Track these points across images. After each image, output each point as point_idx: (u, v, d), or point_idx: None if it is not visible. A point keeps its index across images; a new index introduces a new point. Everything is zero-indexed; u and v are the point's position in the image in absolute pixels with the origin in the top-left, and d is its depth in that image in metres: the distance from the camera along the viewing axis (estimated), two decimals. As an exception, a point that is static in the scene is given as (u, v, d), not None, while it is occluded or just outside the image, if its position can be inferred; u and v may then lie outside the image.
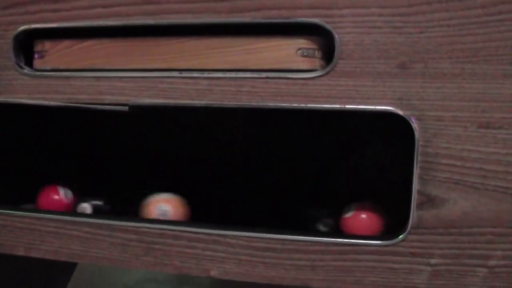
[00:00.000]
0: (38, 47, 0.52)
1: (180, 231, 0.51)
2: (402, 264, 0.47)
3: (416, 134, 0.45)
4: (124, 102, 0.50)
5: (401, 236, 0.47)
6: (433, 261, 0.47)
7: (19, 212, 0.54)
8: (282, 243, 0.49)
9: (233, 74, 0.47)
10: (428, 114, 0.45)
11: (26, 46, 0.53)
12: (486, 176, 0.44)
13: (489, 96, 0.43)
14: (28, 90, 0.52)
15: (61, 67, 0.51)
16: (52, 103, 0.51)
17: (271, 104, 0.47)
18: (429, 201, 0.46)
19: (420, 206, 0.46)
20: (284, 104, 0.47)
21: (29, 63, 0.53)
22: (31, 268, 0.69)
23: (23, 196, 0.61)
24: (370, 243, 0.48)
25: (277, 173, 0.66)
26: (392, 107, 0.45)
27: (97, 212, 0.58)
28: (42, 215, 0.54)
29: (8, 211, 0.54)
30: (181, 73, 0.48)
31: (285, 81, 0.47)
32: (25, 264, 0.61)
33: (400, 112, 0.45)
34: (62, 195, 0.59)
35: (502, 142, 0.44)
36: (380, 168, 0.61)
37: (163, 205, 0.56)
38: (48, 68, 0.51)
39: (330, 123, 0.62)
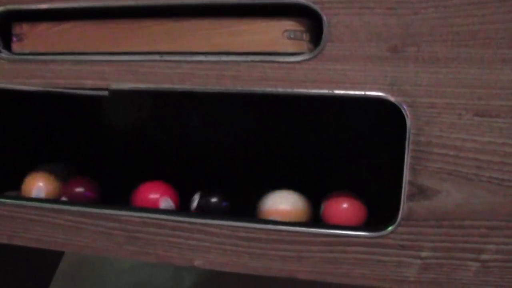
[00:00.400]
0: (16, 30, 0.50)
1: (162, 219, 0.49)
2: (391, 256, 0.45)
3: (408, 121, 0.43)
4: (104, 86, 0.48)
5: (390, 228, 0.45)
6: (423, 254, 0.45)
7: (0, 199, 0.53)
8: (266, 233, 0.47)
9: (216, 58, 0.45)
10: (420, 100, 0.42)
11: (5, 29, 0.51)
12: (480, 166, 0.42)
13: (486, 82, 0.41)
14: (7, 74, 0.50)
15: (40, 50, 0.49)
16: (31, 88, 0.49)
17: (257, 89, 0.45)
18: (420, 192, 0.44)
19: (410, 197, 0.44)
20: (270, 89, 0.44)
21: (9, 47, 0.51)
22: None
23: (8, 182, 0.59)
24: (358, 234, 0.46)
25: (263, 160, 0.64)
26: (383, 93, 0.43)
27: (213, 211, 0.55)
28: (24, 202, 0.52)
29: (-10, 198, 0.53)
30: (162, 57, 0.46)
31: (270, 65, 0.44)
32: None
33: (391, 99, 0.43)
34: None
35: (499, 131, 0.41)
36: (369, 156, 0.59)
37: None
38: (26, 51, 0.49)
39: (318, 109, 0.60)
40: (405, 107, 0.42)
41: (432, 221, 0.44)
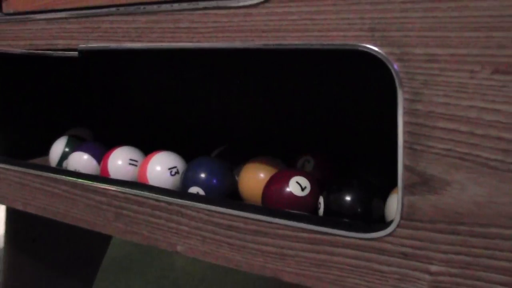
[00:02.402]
0: (2, -13, 0.47)
1: (143, 197, 0.43)
2: (391, 267, 0.33)
3: (398, 82, 0.30)
4: (74, 46, 0.43)
5: (387, 229, 0.33)
6: (433, 268, 0.32)
7: (11, 166, 0.52)
8: (244, 221, 0.39)
9: (168, 7, 0.36)
10: (413, 52, 0.29)
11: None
12: (508, 150, 0.28)
13: (509, 19, 0.26)
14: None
15: (21, 9, 0.46)
16: (10, 50, 0.46)
17: (213, 43, 0.35)
18: (423, 182, 0.31)
19: (411, 188, 0.31)
20: (226, 43, 0.35)
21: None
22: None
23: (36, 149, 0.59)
24: (346, 233, 0.34)
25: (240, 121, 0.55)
26: (363, 42, 0.30)
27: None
28: (29, 170, 0.51)
29: (4, 165, 0.53)
30: (118, 9, 0.39)
31: (224, 11, 0.34)
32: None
33: (375, 50, 0.30)
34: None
35: (534, 96, 0.26)
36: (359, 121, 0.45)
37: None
38: (11, 11, 0.46)
39: (291, 63, 0.48)
40: (392, 62, 0.29)
41: (442, 223, 0.31)
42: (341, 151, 0.51)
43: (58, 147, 0.55)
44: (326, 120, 0.54)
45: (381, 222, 0.38)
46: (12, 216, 0.70)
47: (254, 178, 0.46)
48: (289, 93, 0.56)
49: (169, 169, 0.45)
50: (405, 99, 0.30)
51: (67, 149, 0.55)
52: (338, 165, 0.49)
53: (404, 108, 0.30)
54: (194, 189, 0.44)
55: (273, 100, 0.57)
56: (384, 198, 0.40)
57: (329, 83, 0.53)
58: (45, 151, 0.58)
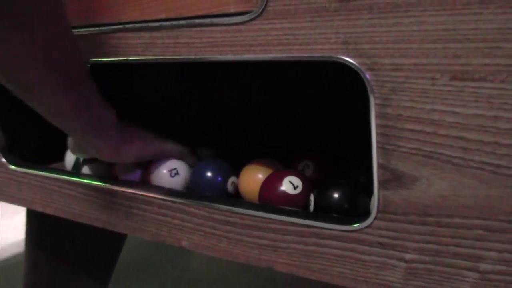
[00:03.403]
0: None
1: (150, 196, 0.48)
2: (371, 256, 0.37)
3: (369, 89, 0.33)
4: (85, 60, 0.47)
5: (366, 221, 0.36)
6: (407, 256, 0.35)
7: (31, 170, 0.56)
8: (240, 217, 0.42)
9: (169, 24, 0.41)
10: (382, 62, 0.32)
11: None
12: (468, 148, 0.31)
13: (463, 33, 0.29)
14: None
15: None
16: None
17: (208, 56, 0.39)
18: (395, 178, 0.34)
19: (384, 184, 0.35)
20: (220, 56, 0.39)
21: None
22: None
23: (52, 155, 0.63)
24: (330, 226, 0.38)
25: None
26: (338, 54, 0.34)
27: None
28: (48, 174, 0.55)
29: (23, 169, 0.57)
30: (124, 27, 0.43)
31: (218, 28, 0.38)
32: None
33: (348, 61, 0.34)
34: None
35: (487, 100, 0.30)
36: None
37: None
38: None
39: (276, 74, 0.51)
40: (364, 71, 0.33)
41: (413, 215, 0.34)
42: (336, 152, 0.55)
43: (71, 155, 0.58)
44: (319, 124, 0.57)
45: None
46: (33, 219, 0.74)
47: (253, 178, 0.49)
48: (287, 98, 0.60)
49: (169, 170, 0.49)
50: (376, 104, 0.33)
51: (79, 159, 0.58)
52: (334, 166, 0.53)
53: (376, 112, 0.33)
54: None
55: (272, 105, 0.61)
56: (370, 195, 0.43)
57: (315, 91, 0.57)
58: (60, 157, 0.62)
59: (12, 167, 0.58)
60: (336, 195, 0.42)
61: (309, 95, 0.58)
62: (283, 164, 0.52)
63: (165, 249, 1.41)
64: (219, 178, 0.48)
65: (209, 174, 0.48)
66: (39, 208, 0.57)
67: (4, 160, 0.59)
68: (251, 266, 0.44)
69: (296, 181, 0.44)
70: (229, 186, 0.48)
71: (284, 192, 0.44)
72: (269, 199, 0.45)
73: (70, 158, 0.59)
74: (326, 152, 0.53)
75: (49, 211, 0.57)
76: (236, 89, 0.64)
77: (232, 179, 0.49)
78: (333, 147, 0.55)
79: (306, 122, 0.59)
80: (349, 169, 0.49)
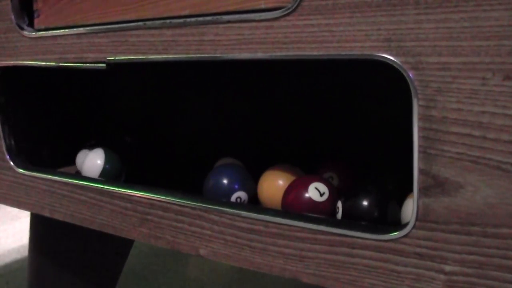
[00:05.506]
0: (35, 5, 0.50)
1: (167, 202, 0.45)
2: (407, 267, 0.35)
3: (413, 89, 0.31)
4: (102, 59, 0.45)
5: (403, 230, 0.34)
6: (447, 268, 0.33)
7: (40, 174, 0.54)
8: (265, 225, 0.40)
9: (193, 20, 0.39)
10: (427, 60, 0.30)
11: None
12: (519, 152, 0.29)
13: (519, 29, 0.28)
14: (30, 51, 0.50)
15: (51, 25, 0.48)
16: (41, 63, 0.48)
17: (236, 55, 0.37)
18: (437, 185, 0.32)
19: (425, 191, 0.33)
20: (249, 55, 0.37)
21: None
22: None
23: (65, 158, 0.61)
24: (364, 235, 0.36)
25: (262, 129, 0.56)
26: (379, 52, 0.32)
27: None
28: (56, 178, 0.53)
29: (31, 172, 0.55)
30: (145, 24, 0.41)
31: (247, 24, 0.36)
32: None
33: (391, 59, 0.32)
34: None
35: (543, 102, 0.28)
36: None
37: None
38: (42, 27, 0.49)
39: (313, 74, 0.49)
40: (407, 70, 0.31)
41: (455, 225, 0.32)
42: (360, 158, 0.53)
43: (96, 161, 0.55)
44: (344, 127, 0.55)
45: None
46: (37, 225, 0.72)
47: (274, 184, 0.47)
48: (307, 102, 0.58)
49: None
50: (419, 106, 0.31)
51: (107, 166, 0.55)
52: (358, 173, 0.51)
53: (419, 114, 0.31)
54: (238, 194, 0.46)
55: (291, 109, 0.59)
56: (400, 202, 0.41)
57: (346, 91, 0.55)
58: (70, 161, 0.60)
59: (21, 170, 0.55)
60: (365, 203, 0.40)
61: (328, 98, 0.57)
62: (303, 170, 0.50)
63: (164, 257, 1.38)
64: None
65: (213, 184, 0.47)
66: (47, 213, 0.55)
67: (11, 163, 0.56)
68: (253, 276, 0.42)
69: (323, 187, 0.42)
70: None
71: (310, 199, 0.42)
72: (293, 206, 0.43)
73: (81, 161, 0.56)
74: (348, 158, 0.51)
75: (57, 216, 0.54)
76: (254, 92, 0.62)
77: (238, 194, 0.47)
78: (356, 153, 0.53)
79: (324, 126, 0.57)
80: (376, 176, 0.47)
